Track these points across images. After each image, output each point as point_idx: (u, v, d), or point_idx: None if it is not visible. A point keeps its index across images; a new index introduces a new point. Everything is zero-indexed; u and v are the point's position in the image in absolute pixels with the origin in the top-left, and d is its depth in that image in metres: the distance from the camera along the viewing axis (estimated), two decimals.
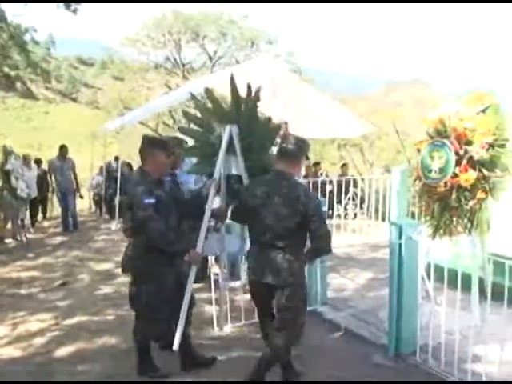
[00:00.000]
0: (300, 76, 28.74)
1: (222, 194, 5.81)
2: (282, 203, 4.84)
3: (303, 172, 13.51)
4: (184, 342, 5.40)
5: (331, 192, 12.09)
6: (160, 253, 5.16)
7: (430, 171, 6.19)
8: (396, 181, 12.33)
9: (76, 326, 7.10)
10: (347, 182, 13.81)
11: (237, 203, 5.35)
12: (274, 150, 5.49)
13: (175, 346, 5.27)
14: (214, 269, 7.48)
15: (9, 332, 6.99)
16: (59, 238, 13.94)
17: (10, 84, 50.23)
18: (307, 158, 10.50)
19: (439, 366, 5.46)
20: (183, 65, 32.93)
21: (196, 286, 7.94)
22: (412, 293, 5.74)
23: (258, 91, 5.87)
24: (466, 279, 5.88)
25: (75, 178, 15.28)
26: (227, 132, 5.72)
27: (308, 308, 6.58)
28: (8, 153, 13.27)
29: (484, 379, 5.07)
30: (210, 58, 33.13)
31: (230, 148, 5.71)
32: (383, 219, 12.49)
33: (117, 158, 17.89)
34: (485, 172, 5.98)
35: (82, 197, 16.34)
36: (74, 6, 15.76)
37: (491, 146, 5.97)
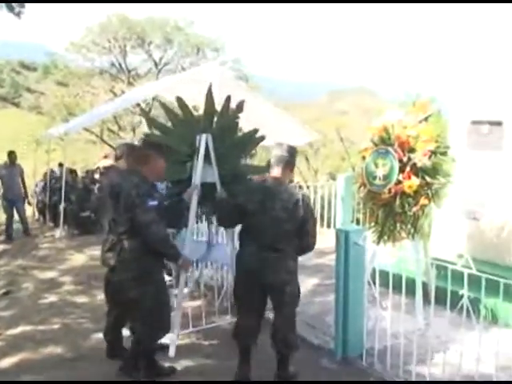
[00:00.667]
0: (246, 83, 28.85)
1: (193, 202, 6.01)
2: (282, 208, 5.11)
3: None
4: (136, 349, 5.46)
5: None
6: (155, 256, 5.25)
7: (375, 178, 6.31)
8: (341, 187, 12.57)
9: (20, 336, 6.97)
10: None
11: (229, 209, 5.44)
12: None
13: (171, 352, 5.71)
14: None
15: None
16: (2, 247, 13.66)
17: None
18: None
19: (385, 368, 5.56)
20: (128, 71, 32.70)
21: None
22: (358, 297, 5.83)
23: (241, 104, 6.21)
24: (411, 284, 6.01)
25: (23, 184, 15.03)
26: (203, 141, 5.89)
27: None
28: None
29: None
30: (156, 65, 32.98)
31: (205, 157, 5.88)
32: (328, 226, 12.63)
33: (61, 165, 17.60)
34: (427, 179, 6.15)
35: (30, 203, 16.12)
36: (17, 8, 15.37)
37: (433, 153, 6.14)
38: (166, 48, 32.46)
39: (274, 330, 5.27)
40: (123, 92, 26.92)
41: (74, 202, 14.68)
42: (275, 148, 5.42)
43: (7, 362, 6.21)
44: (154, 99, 27.54)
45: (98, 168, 17.56)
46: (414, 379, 5.28)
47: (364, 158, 6.58)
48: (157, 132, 6.38)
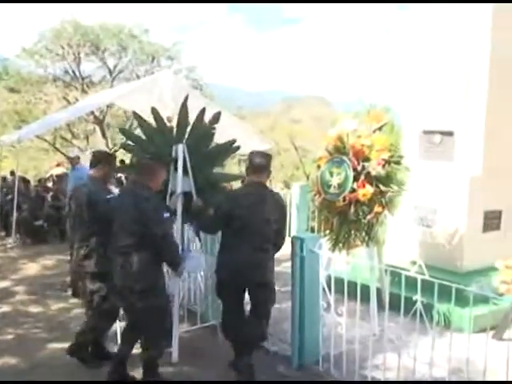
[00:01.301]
0: (201, 92, 28.79)
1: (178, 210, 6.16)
2: (270, 210, 5.59)
3: None
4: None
5: None
6: (160, 267, 5.52)
7: (330, 187, 6.40)
8: (296, 196, 12.66)
9: None
10: None
11: (217, 215, 5.71)
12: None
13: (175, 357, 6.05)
14: None
15: None
16: None
17: None
18: None
19: (341, 374, 5.64)
20: (82, 78, 32.26)
21: None
22: (314, 304, 5.90)
23: (217, 115, 6.41)
24: (365, 290, 6.10)
25: None
26: (180, 151, 6.02)
27: (213, 322, 6.68)
28: None
29: None
30: (110, 72, 32.60)
31: (184, 166, 6.00)
32: None
33: (13, 173, 17.31)
34: (381, 187, 6.26)
35: None
36: None
37: (387, 162, 6.25)
38: (120, 55, 32.14)
39: (254, 324, 5.67)
40: (77, 100, 26.59)
41: (26, 211, 14.46)
42: (254, 155, 5.80)
43: None
44: (108, 107, 27.29)
45: (50, 176, 17.37)
46: None
47: (319, 166, 6.67)
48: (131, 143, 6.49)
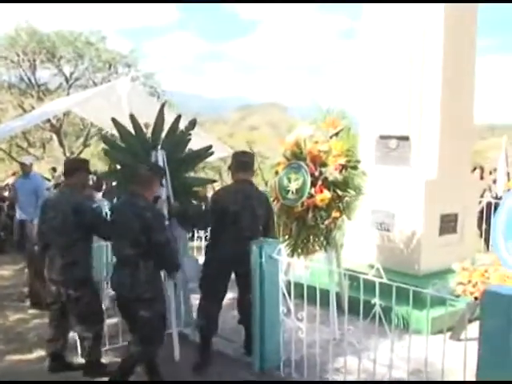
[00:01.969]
0: (158, 99, 28.66)
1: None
2: (257, 205, 6.14)
3: None
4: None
5: None
6: (160, 273, 5.62)
7: (288, 192, 6.43)
8: None
9: None
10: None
11: (209, 212, 6.16)
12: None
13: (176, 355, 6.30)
14: None
15: None
16: None
17: None
18: None
19: (302, 378, 5.67)
20: (38, 86, 31.84)
21: None
22: (274, 310, 5.92)
23: (193, 121, 6.67)
24: (325, 295, 6.15)
25: None
26: (160, 156, 6.21)
27: (178, 329, 6.65)
28: None
29: None
30: (67, 80, 32.25)
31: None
32: None
33: None
34: (339, 192, 6.31)
35: None
36: None
37: (344, 167, 6.31)
38: (76, 63, 31.81)
39: (245, 307, 6.22)
40: (33, 107, 26.19)
41: None
42: (239, 155, 6.53)
43: None
44: (65, 115, 26.99)
45: (6, 185, 17.08)
46: None
47: (277, 172, 6.69)
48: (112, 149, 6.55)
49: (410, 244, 7.87)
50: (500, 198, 8.43)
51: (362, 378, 5.30)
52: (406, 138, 8.06)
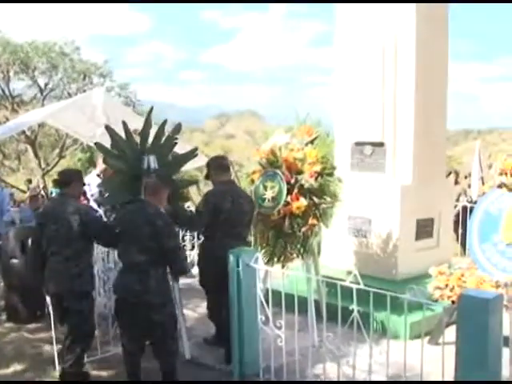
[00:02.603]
0: (134, 109, 28.59)
1: None
2: (244, 202, 6.48)
3: None
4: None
5: None
6: (168, 279, 5.79)
7: (264, 200, 6.44)
8: None
9: None
10: None
11: (204, 213, 6.40)
12: None
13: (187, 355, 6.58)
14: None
15: None
16: None
17: None
18: None
19: None
20: (12, 97, 31.58)
21: (33, 325, 7.71)
22: (252, 318, 5.91)
23: (177, 127, 6.92)
24: (303, 302, 6.15)
25: None
26: (152, 161, 6.32)
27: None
28: None
29: None
30: (41, 91, 32.05)
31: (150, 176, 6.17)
32: None
33: None
34: (315, 199, 6.33)
35: None
36: None
37: (320, 174, 6.33)
38: (51, 74, 31.61)
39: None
40: (7, 119, 26.00)
41: None
42: (218, 159, 6.99)
43: None
44: (40, 126, 26.81)
45: None
46: None
47: (253, 180, 6.71)
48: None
49: (386, 249, 7.90)
50: (475, 202, 8.49)
51: None
52: (381, 145, 8.11)
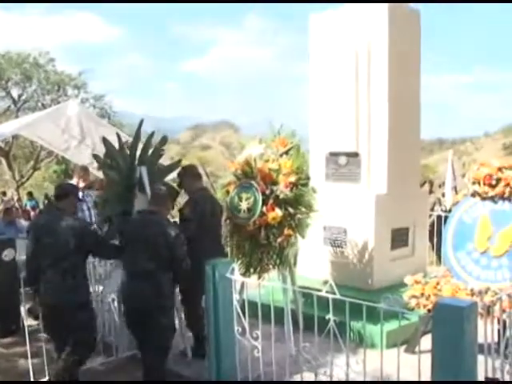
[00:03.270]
0: (109, 120, 28.50)
1: None
2: (218, 206, 6.91)
3: None
4: None
5: None
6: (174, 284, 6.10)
7: (239, 211, 6.44)
8: None
9: None
10: None
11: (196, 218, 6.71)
12: None
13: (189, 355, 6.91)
14: (28, 321, 7.19)
15: None
16: None
17: None
18: None
19: None
20: None
21: (8, 339, 7.63)
22: (229, 328, 5.89)
23: (164, 139, 7.08)
24: (280, 312, 6.15)
25: None
26: (144, 172, 6.50)
27: (129, 353, 6.60)
28: None
29: None
30: (15, 102, 31.85)
31: (141, 187, 6.45)
32: None
33: None
34: (290, 210, 6.34)
35: None
36: None
37: (295, 185, 6.35)
38: (24, 85, 31.46)
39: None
40: None
41: None
42: (192, 168, 7.38)
43: None
44: (13, 138, 26.60)
45: None
46: None
47: (228, 192, 6.71)
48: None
49: (362, 259, 7.93)
50: (449, 211, 8.56)
51: None
52: (356, 155, 8.15)
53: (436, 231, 10.76)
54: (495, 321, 5.33)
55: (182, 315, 7.01)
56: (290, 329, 6.67)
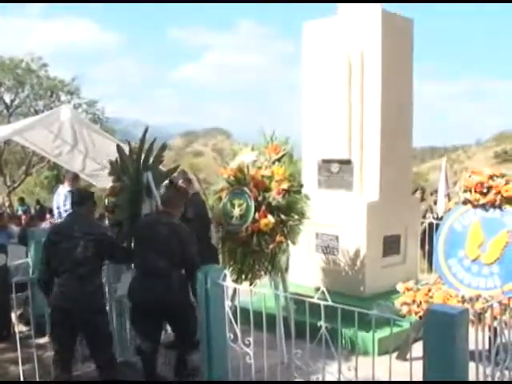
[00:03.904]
0: (101, 126, 28.48)
1: None
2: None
3: None
4: None
5: None
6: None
7: (232, 218, 6.46)
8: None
9: None
10: None
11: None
12: None
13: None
14: (19, 326, 7.18)
15: None
16: None
17: None
18: None
19: None
20: None
21: None
22: (221, 335, 5.88)
23: (164, 146, 7.28)
24: (272, 319, 6.15)
25: None
26: (150, 177, 6.63)
27: (121, 359, 6.57)
28: None
29: None
30: (7, 107, 31.78)
31: (148, 191, 6.58)
32: None
33: None
34: (282, 217, 6.35)
35: None
36: None
37: (287, 192, 6.36)
38: (17, 90, 31.42)
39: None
40: None
41: None
42: (186, 173, 8.51)
43: None
44: (5, 143, 26.54)
45: None
46: None
47: (220, 198, 6.72)
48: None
49: (354, 266, 7.95)
50: (441, 219, 8.58)
51: None
52: (348, 162, 8.18)
53: (427, 239, 10.79)
54: (486, 328, 5.34)
55: None
56: (282, 335, 6.66)
